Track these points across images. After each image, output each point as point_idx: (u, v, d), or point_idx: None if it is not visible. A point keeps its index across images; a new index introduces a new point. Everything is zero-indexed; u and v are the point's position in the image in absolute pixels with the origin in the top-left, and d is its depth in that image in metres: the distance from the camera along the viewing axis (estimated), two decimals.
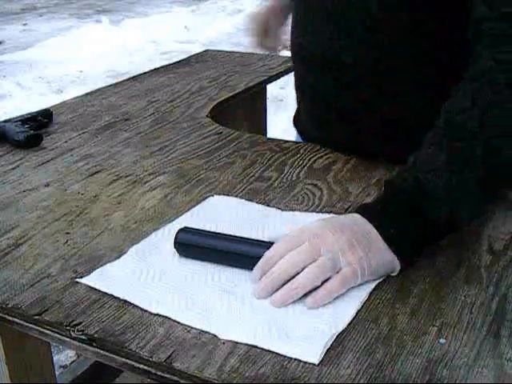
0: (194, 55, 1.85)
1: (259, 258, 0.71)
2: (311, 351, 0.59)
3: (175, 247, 0.76)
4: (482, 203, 0.78)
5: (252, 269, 0.71)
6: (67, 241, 0.81)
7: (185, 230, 0.77)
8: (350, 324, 0.64)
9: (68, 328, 0.64)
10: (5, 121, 1.21)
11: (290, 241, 0.70)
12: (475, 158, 0.73)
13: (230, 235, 0.76)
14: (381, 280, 0.70)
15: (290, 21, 1.13)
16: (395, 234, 0.71)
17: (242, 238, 0.75)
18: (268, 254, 0.70)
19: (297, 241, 0.70)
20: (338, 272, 0.68)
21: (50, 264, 0.76)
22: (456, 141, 0.74)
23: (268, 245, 0.73)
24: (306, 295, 0.67)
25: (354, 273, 0.68)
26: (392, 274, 0.71)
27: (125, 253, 0.77)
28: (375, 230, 0.71)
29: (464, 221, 0.76)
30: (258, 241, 0.75)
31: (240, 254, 0.73)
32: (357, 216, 0.73)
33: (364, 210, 0.74)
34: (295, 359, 0.59)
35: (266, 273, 0.69)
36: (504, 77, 0.75)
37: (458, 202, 0.73)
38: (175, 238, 0.76)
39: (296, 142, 1.13)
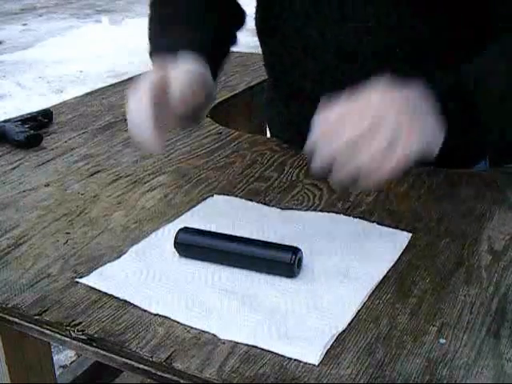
0: None
1: (259, 257, 0.71)
2: (311, 351, 0.59)
3: (175, 247, 0.76)
4: None
5: (252, 269, 0.72)
6: (67, 241, 0.81)
7: (185, 230, 0.77)
8: (350, 324, 0.64)
9: (68, 328, 0.64)
10: (5, 121, 1.21)
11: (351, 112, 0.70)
12: None
13: (230, 235, 0.76)
14: (380, 280, 0.71)
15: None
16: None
17: (242, 237, 0.75)
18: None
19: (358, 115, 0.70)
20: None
21: (50, 264, 0.76)
22: None
23: (268, 245, 0.73)
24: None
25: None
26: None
27: (125, 253, 0.77)
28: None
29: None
30: (258, 241, 0.75)
31: (240, 254, 0.73)
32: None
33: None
34: (295, 359, 0.59)
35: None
36: None
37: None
38: (175, 238, 0.76)
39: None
